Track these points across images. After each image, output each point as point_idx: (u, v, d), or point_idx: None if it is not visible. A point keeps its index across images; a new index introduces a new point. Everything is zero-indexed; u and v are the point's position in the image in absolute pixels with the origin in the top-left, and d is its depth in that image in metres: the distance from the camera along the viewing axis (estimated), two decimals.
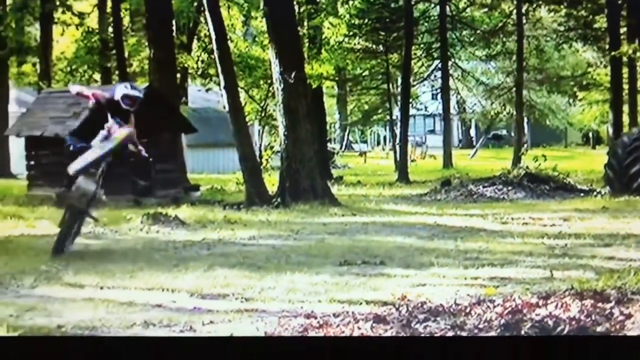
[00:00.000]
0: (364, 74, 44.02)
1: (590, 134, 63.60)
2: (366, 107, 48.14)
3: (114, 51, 32.84)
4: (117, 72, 32.63)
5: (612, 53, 33.29)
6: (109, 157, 11.52)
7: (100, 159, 11.41)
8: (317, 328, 6.67)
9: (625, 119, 36.96)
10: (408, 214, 17.32)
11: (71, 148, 11.77)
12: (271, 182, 20.98)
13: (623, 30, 35.83)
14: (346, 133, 61.56)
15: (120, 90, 11.76)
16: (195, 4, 29.18)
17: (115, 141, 11.42)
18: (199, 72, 32.21)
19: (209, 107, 37.97)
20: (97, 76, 36.55)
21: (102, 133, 11.65)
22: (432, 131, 64.85)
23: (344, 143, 60.75)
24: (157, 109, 20.95)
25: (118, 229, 14.58)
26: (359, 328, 6.45)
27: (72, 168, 11.47)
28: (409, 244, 12.49)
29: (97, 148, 11.44)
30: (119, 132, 11.52)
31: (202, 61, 31.05)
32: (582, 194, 21.25)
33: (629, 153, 20.07)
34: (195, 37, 32.92)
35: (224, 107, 21.07)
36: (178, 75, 28.76)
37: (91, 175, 11.42)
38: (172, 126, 22.02)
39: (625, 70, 36.71)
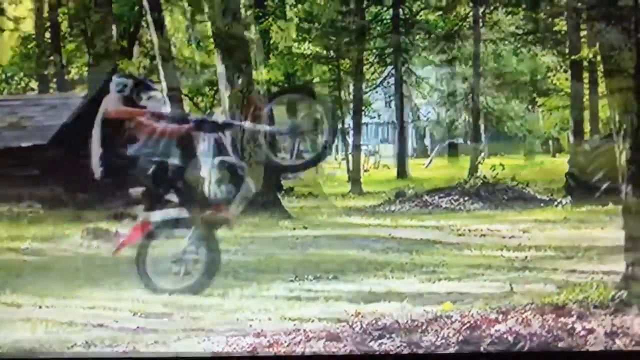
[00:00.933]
0: (314, 81, 44.07)
1: (551, 142, 64.22)
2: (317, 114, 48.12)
3: (51, 57, 32.55)
4: (55, 80, 32.33)
5: (572, 57, 33.64)
6: None
7: None
8: (267, 347, 6.67)
9: (587, 125, 37.38)
10: (361, 226, 17.37)
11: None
12: None
13: (583, 33, 36.24)
14: (296, 142, 61.47)
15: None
16: (137, 7, 29.03)
17: None
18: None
19: None
20: (33, 84, 36.18)
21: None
22: (386, 140, 65.02)
23: (295, 153, 60.65)
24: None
25: (57, 244, 14.43)
26: (311, 347, 6.46)
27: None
28: (362, 257, 12.52)
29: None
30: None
31: (144, 67, 30.86)
32: (542, 204, 21.46)
33: (590, 161, 20.29)
34: (137, 42, 32.72)
35: None
36: None
37: None
38: None
39: (586, 75, 37.14)
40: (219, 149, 9.53)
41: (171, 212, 9.63)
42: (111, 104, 9.61)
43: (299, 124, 9.99)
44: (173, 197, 9.65)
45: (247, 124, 9.87)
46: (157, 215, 9.67)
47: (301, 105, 10.06)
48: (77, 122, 20.31)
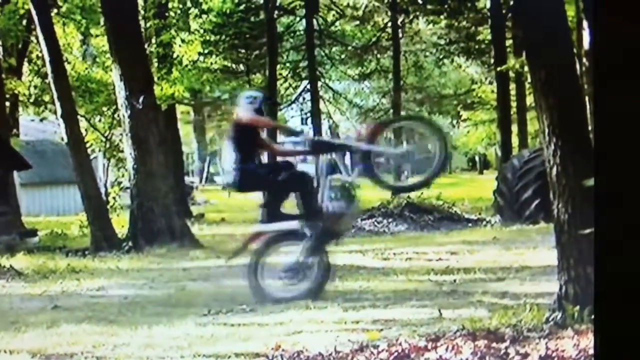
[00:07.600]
0: (223, 97, 44.09)
1: (477, 158, 65.22)
2: None
3: None
4: None
5: (498, 68, 34.24)
6: None
7: None
8: None
9: (515, 140, 38.05)
10: (280, 253, 17.41)
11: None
12: (120, 223, 20.77)
13: (509, 42, 36.92)
14: (206, 164, 61.39)
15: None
16: (25, 21, 28.75)
17: None
18: (32, 100, 31.64)
19: (44, 139, 37.36)
20: None
21: None
22: (304, 160, 65.26)
23: (204, 176, 60.54)
24: None
25: None
26: None
27: None
28: None
29: None
30: None
31: (35, 87, 30.55)
32: (470, 224, 21.80)
33: (519, 177, 20.62)
34: (26, 59, 32.37)
35: (62, 139, 20.79)
36: (7, 103, 28.22)
37: None
38: (2, 162, 21.61)
39: (512, 86, 37.82)
40: (332, 167, 11.06)
41: (285, 225, 11.16)
42: (242, 113, 11.06)
43: (412, 149, 11.28)
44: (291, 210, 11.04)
45: (363, 145, 11.06)
46: (272, 227, 11.24)
47: (412, 132, 11.80)
48: None
